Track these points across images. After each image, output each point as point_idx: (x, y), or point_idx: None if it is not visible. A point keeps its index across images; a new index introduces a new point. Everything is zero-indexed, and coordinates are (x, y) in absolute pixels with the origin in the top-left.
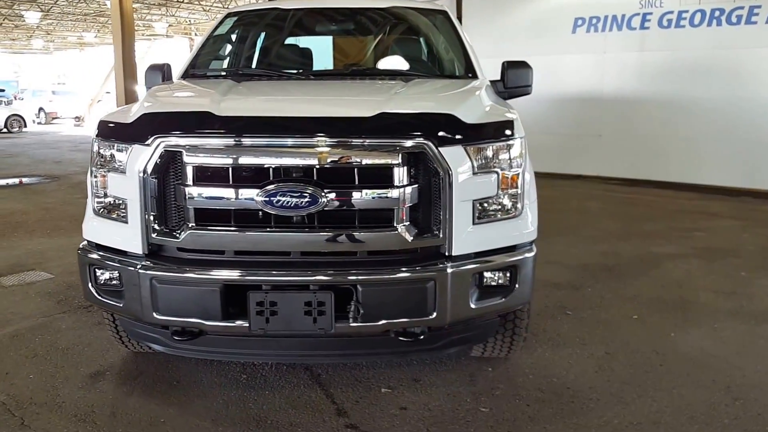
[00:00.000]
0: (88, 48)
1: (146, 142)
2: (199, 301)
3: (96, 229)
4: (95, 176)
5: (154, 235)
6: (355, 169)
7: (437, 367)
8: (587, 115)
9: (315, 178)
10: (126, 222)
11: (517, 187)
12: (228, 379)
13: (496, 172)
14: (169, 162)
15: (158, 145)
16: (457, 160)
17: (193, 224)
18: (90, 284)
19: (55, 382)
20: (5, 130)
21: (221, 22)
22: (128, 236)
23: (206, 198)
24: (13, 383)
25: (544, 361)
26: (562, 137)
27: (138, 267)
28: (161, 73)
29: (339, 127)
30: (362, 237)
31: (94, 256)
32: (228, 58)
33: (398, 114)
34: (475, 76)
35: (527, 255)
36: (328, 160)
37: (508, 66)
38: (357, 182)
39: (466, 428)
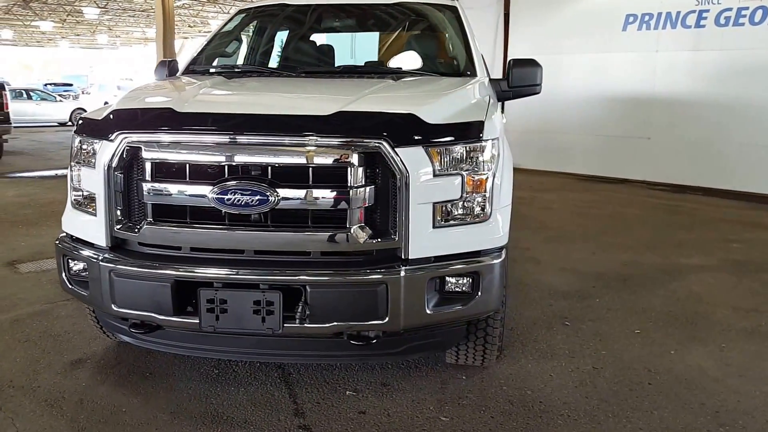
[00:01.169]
0: (151, 43)
1: (110, 138)
2: (153, 295)
3: (71, 221)
4: (72, 170)
5: (117, 228)
6: (307, 169)
7: (410, 372)
8: (636, 116)
9: (266, 176)
10: (95, 215)
11: (484, 191)
12: (200, 374)
13: (461, 175)
14: (132, 158)
15: (121, 141)
16: (415, 161)
17: (151, 219)
18: (63, 273)
19: (38, 367)
20: (70, 123)
21: (231, 19)
22: (95, 229)
23: (162, 194)
24: (13, 368)
25: (524, 372)
26: (608, 139)
27: (99, 259)
28: (167, 68)
29: (292, 126)
30: (314, 237)
31: (67, 246)
32: (233, 55)
33: (356, 113)
34: (474, 74)
35: (493, 261)
36: (280, 159)
37: (513, 64)
38: (308, 182)
39: None
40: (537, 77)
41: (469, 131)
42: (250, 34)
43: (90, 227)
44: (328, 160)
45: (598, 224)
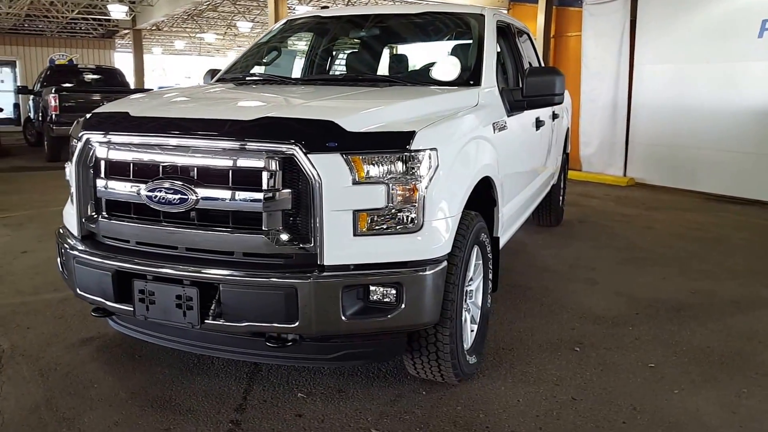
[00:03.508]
0: None
1: (80, 137)
2: (100, 283)
3: (66, 213)
4: (66, 167)
5: (84, 221)
6: (224, 171)
7: (371, 382)
8: None
9: (189, 176)
10: (73, 209)
11: (414, 201)
12: (181, 362)
13: (386, 184)
14: (94, 156)
15: (85, 141)
16: (330, 167)
17: (105, 214)
18: (58, 259)
19: (53, 341)
20: None
21: (272, 29)
22: (73, 221)
23: (110, 190)
24: (25, 336)
25: (492, 394)
26: (741, 156)
27: (68, 248)
28: (211, 76)
29: (212, 129)
30: (232, 238)
31: (60, 235)
32: (270, 63)
33: (276, 119)
34: (477, 83)
35: (421, 273)
36: (200, 161)
37: (529, 73)
38: (226, 183)
39: None
40: (555, 86)
41: (395, 141)
42: (281, 44)
43: (71, 219)
44: (243, 164)
45: (694, 248)
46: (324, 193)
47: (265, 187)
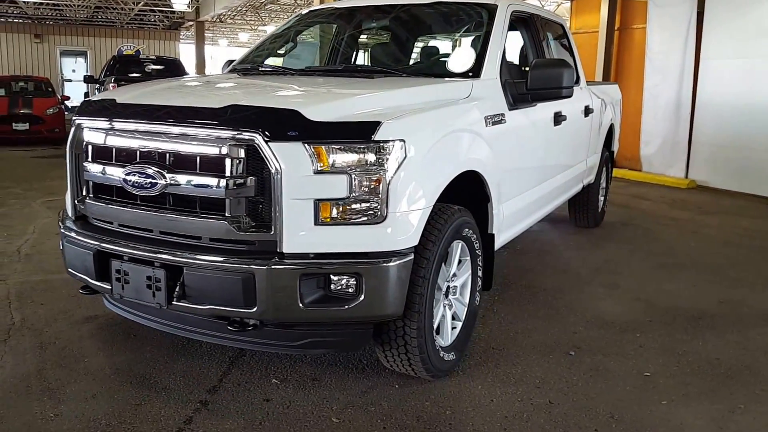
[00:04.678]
0: None
1: (72, 122)
2: (83, 261)
3: (66, 196)
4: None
5: (76, 202)
6: (193, 157)
7: (348, 372)
8: None
9: (160, 161)
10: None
11: (378, 193)
12: (171, 343)
13: (349, 174)
14: (83, 140)
15: (77, 126)
16: (291, 156)
17: (92, 196)
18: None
19: (59, 317)
20: None
21: (288, 21)
22: (68, 203)
23: (93, 173)
24: (37, 311)
25: (467, 392)
26: None
27: (62, 228)
28: (228, 65)
29: (182, 116)
30: (197, 223)
31: (60, 216)
32: (285, 55)
33: (242, 107)
34: (476, 75)
35: (382, 265)
36: (170, 146)
37: (534, 65)
38: (193, 169)
39: (297, 431)
40: (562, 79)
41: (359, 131)
42: (292, 35)
43: (67, 200)
44: (208, 150)
45: (738, 255)
46: (284, 182)
47: (228, 174)
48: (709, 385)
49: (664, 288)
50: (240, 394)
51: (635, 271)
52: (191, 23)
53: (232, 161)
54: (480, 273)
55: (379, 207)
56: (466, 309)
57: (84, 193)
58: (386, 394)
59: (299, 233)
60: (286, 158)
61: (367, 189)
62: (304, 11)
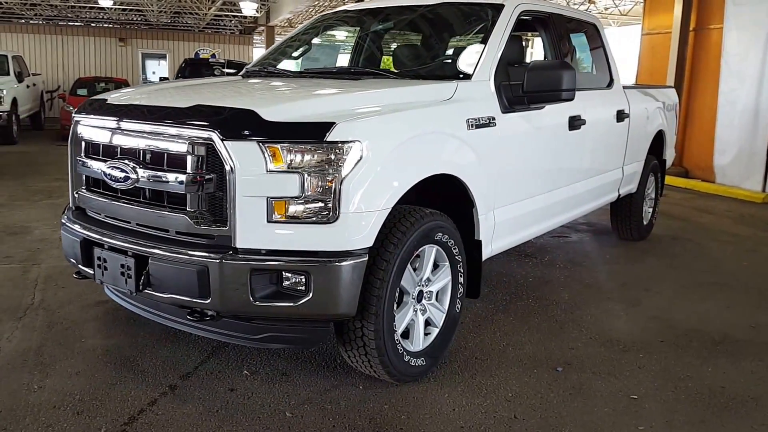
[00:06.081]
0: None
1: (72, 118)
2: (74, 248)
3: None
4: None
5: (74, 194)
6: (160, 153)
7: (318, 370)
8: None
9: (134, 157)
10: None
11: (330, 193)
12: (163, 330)
13: (301, 174)
14: (78, 136)
15: (75, 122)
16: (245, 154)
17: (84, 188)
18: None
19: (74, 300)
20: None
21: (303, 25)
22: (70, 195)
23: (83, 167)
24: (56, 294)
25: (431, 399)
26: None
27: (62, 218)
28: (243, 69)
29: (154, 115)
30: (164, 216)
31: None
32: (299, 58)
33: (204, 106)
34: (467, 77)
35: (331, 264)
36: (142, 143)
37: (531, 67)
38: (159, 164)
39: (249, 422)
40: (561, 82)
41: (312, 131)
42: (305, 39)
43: (69, 193)
44: (172, 147)
45: None
46: (237, 179)
47: (188, 170)
48: (700, 415)
49: (691, 308)
50: (209, 382)
51: (666, 288)
52: (263, 28)
53: (192, 158)
54: (462, 280)
55: (331, 207)
56: (444, 315)
57: (78, 185)
58: (348, 393)
59: (252, 229)
60: (240, 156)
61: (320, 189)
62: (323, 14)
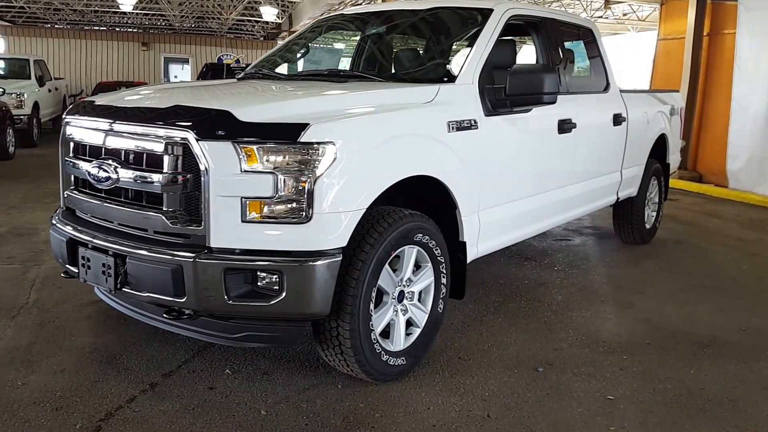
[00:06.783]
0: None
1: (62, 119)
2: (60, 247)
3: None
4: None
5: (64, 195)
6: (139, 153)
7: (300, 369)
8: None
9: (115, 157)
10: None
11: (304, 193)
12: (152, 330)
13: (274, 174)
14: (66, 137)
15: (64, 123)
16: (219, 154)
17: (73, 188)
18: None
19: (68, 300)
20: None
21: (302, 30)
22: (60, 195)
23: (72, 167)
24: (52, 293)
25: (407, 398)
26: None
27: (51, 218)
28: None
29: (133, 116)
30: (142, 216)
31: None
32: (297, 61)
33: (181, 107)
34: (451, 80)
35: (304, 264)
36: (121, 143)
37: (513, 71)
38: (138, 164)
39: (224, 419)
40: (543, 85)
41: (286, 132)
42: (301, 43)
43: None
44: (150, 147)
45: None
46: (211, 179)
47: (165, 170)
48: (674, 416)
49: (684, 311)
50: (190, 380)
51: (661, 291)
52: (285, 33)
53: (169, 158)
54: (445, 280)
55: (304, 207)
56: (427, 316)
57: (67, 186)
58: (325, 392)
59: (225, 229)
60: (215, 156)
61: (293, 189)
62: (320, 18)
